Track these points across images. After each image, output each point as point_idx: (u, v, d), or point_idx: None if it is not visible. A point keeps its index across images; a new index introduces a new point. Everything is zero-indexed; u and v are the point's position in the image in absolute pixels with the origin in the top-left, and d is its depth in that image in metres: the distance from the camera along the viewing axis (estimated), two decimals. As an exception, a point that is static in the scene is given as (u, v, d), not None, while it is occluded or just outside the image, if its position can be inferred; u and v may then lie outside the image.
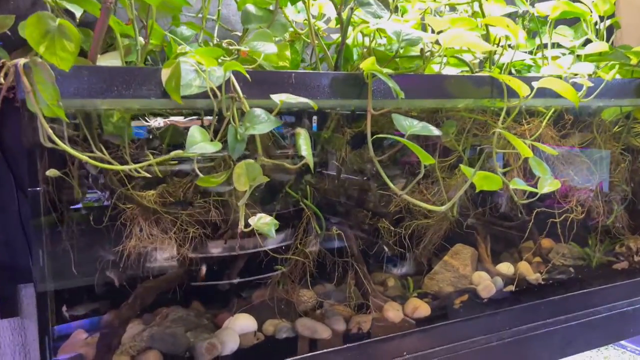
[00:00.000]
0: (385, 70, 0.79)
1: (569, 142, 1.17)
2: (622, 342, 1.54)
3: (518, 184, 0.87)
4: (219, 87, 0.68)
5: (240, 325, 0.84)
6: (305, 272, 0.91)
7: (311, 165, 0.69)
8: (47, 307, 0.71)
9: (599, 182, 1.16)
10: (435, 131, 0.80)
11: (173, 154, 0.66)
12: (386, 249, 1.01)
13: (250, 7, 0.88)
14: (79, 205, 0.84)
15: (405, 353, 0.92)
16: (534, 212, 1.07)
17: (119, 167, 0.68)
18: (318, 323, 0.87)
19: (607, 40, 1.23)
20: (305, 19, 0.89)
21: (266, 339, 0.86)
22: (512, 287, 1.06)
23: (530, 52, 1.18)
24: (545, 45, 1.12)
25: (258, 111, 0.70)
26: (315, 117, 0.99)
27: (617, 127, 1.23)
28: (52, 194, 0.80)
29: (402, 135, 0.74)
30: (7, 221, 0.98)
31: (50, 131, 0.60)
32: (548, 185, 0.90)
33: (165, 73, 0.66)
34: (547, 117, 1.03)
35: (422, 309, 0.96)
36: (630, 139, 1.22)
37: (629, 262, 1.20)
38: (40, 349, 0.72)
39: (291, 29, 0.92)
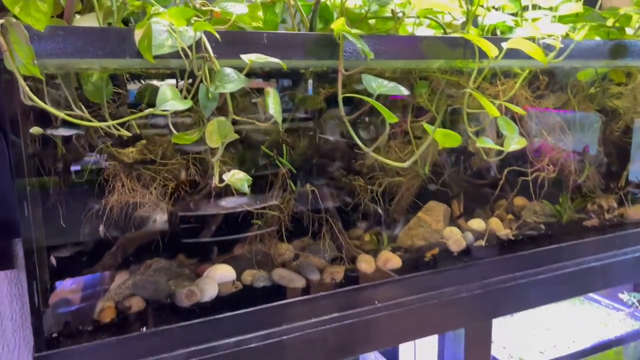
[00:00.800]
0: (356, 31, 0.81)
1: (544, 103, 1.20)
2: (597, 297, 1.60)
3: (485, 142, 0.90)
4: (190, 47, 0.71)
5: (220, 275, 0.89)
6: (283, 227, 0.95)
7: (279, 122, 0.72)
8: (34, 256, 0.75)
9: (572, 143, 1.19)
10: (405, 91, 0.83)
11: (146, 111, 0.69)
12: (362, 205, 1.05)
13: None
14: (65, 164, 0.87)
15: (376, 302, 0.97)
16: (506, 171, 1.11)
17: (97, 124, 0.71)
18: (294, 273, 0.92)
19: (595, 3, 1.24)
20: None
21: (244, 287, 0.91)
22: (482, 242, 1.10)
23: (515, 14, 1.19)
24: (527, 8, 1.13)
25: (228, 70, 0.72)
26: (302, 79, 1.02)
27: (593, 88, 1.25)
28: (38, 152, 0.83)
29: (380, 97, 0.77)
30: (0, 179, 1.02)
31: (27, 89, 0.62)
32: (515, 143, 0.93)
33: (138, 33, 0.68)
34: (521, 79, 1.05)
35: (394, 261, 1.00)
36: (605, 100, 1.24)
37: (599, 219, 1.24)
38: (30, 297, 0.77)
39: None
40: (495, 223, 1.15)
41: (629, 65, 1.16)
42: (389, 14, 0.92)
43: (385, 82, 0.82)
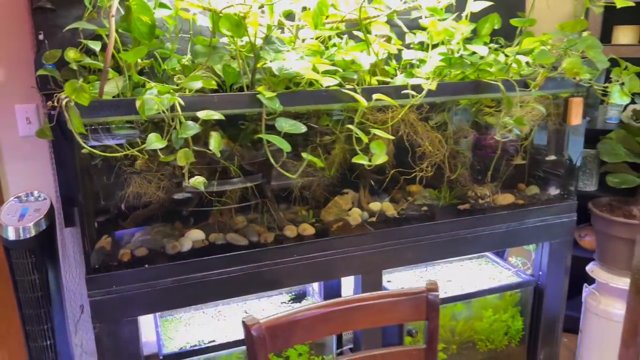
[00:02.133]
0: (270, 94, 1.32)
1: (432, 122, 1.67)
2: (498, 260, 2.09)
3: (360, 159, 1.41)
4: (168, 109, 1.24)
5: (194, 236, 1.45)
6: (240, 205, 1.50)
7: (217, 154, 1.25)
8: (84, 219, 1.33)
9: (448, 150, 1.67)
10: (303, 128, 1.35)
11: (141, 147, 1.23)
12: (294, 194, 1.58)
13: (198, 47, 1.42)
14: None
15: (295, 255, 1.51)
16: (392, 170, 1.61)
17: (120, 153, 1.27)
18: (240, 236, 1.47)
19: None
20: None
21: (209, 244, 1.47)
22: (373, 219, 1.62)
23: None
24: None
25: (190, 123, 1.25)
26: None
27: (473, 109, 1.72)
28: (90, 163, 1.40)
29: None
30: (68, 170, 1.61)
31: (79, 138, 1.18)
32: (380, 159, 1.42)
33: (138, 102, 1.23)
34: (403, 112, 1.53)
35: (309, 230, 1.54)
36: (480, 118, 1.70)
37: (470, 204, 1.73)
38: (82, 244, 1.35)
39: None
40: (387, 205, 1.66)
41: (484, 97, 1.62)
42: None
43: (291, 121, 1.34)
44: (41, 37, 1.55)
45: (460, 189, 1.75)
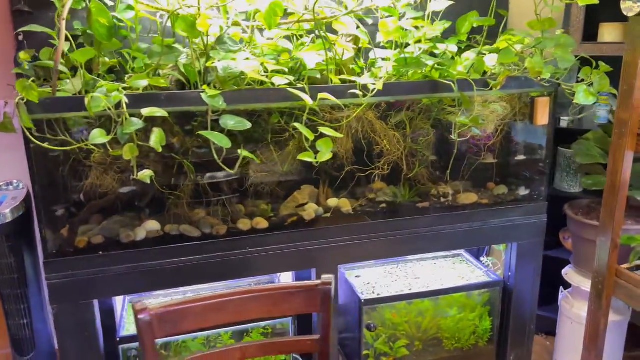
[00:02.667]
0: (214, 92, 1.38)
1: (392, 121, 1.69)
2: (472, 259, 2.08)
3: (304, 155, 1.44)
4: (115, 106, 1.32)
5: (149, 226, 1.53)
6: (196, 199, 1.57)
7: (158, 149, 1.32)
8: (41, 208, 1.43)
9: (407, 148, 1.68)
10: (247, 125, 1.40)
11: (85, 143, 1.32)
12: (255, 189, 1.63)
13: (154, 47, 1.49)
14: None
15: (247, 247, 1.57)
16: (347, 168, 1.64)
17: (75, 146, 1.36)
18: (193, 227, 1.54)
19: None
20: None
21: (164, 234, 1.55)
22: (328, 215, 1.65)
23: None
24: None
25: (134, 119, 1.33)
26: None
27: (436, 108, 1.72)
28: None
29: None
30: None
31: (28, 134, 1.28)
32: (326, 156, 1.46)
33: (86, 99, 1.31)
34: (360, 110, 1.56)
35: (263, 223, 1.59)
36: (442, 116, 1.70)
37: (430, 202, 1.74)
38: (40, 231, 1.45)
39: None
40: (343, 202, 1.69)
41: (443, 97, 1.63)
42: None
43: (237, 118, 1.40)
44: (20, 37, 1.66)
45: (421, 188, 1.76)
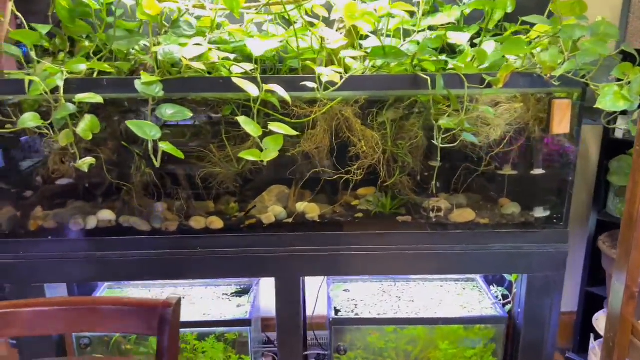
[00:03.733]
0: (153, 78, 1.30)
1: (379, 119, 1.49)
2: (484, 286, 1.79)
3: (247, 154, 1.31)
4: (51, 91, 1.30)
5: (102, 215, 1.51)
6: (153, 193, 1.52)
7: (86, 137, 1.28)
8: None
9: (387, 152, 1.47)
10: (188, 115, 1.31)
11: (17, 128, 1.31)
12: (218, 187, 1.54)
13: (119, 32, 1.45)
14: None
15: (198, 247, 1.48)
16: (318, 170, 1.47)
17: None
18: (142, 220, 1.49)
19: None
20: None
21: (116, 224, 1.51)
22: (289, 220, 1.50)
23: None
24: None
25: (69, 105, 1.30)
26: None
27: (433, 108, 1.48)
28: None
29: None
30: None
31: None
32: (272, 155, 1.31)
33: (27, 82, 1.31)
34: (332, 104, 1.39)
35: (217, 223, 1.49)
36: (433, 117, 1.46)
37: (413, 217, 1.50)
38: None
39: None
40: (310, 207, 1.53)
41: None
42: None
43: (177, 107, 1.31)
44: (19, 21, 1.72)
45: (409, 198, 1.53)
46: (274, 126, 1.31)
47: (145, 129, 1.27)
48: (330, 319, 1.59)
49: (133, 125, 1.26)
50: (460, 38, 1.49)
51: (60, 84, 1.29)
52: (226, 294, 1.79)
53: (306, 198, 1.60)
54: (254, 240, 1.49)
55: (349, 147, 1.48)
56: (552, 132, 1.42)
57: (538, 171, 1.53)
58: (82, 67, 1.34)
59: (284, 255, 1.49)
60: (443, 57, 1.45)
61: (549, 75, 1.32)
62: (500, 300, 1.70)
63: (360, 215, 1.55)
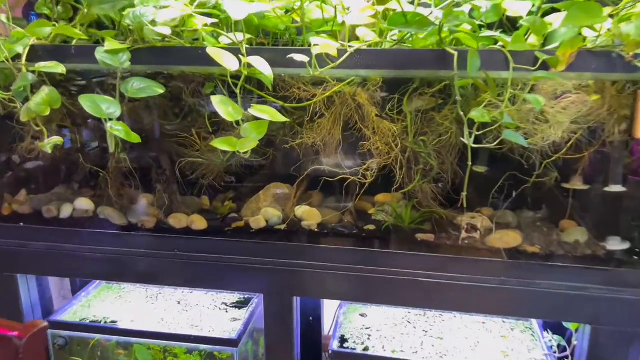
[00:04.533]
0: (123, 45, 1.12)
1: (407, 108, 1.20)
2: (539, 331, 1.42)
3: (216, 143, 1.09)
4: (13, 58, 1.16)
5: (79, 204, 1.36)
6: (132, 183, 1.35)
7: (42, 113, 1.12)
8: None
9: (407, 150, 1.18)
10: (158, 91, 1.11)
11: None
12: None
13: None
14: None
15: (176, 250, 1.29)
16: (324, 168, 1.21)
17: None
18: (120, 214, 1.32)
19: None
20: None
21: (93, 215, 1.36)
22: (282, 226, 1.25)
23: None
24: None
25: (29, 75, 1.15)
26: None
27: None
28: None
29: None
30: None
31: None
32: (249, 144, 1.08)
33: (-11, 49, 1.18)
34: (340, 87, 1.14)
35: (200, 223, 1.29)
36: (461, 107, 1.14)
37: (436, 235, 1.19)
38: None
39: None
40: (309, 212, 1.27)
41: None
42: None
43: (147, 81, 1.12)
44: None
45: (430, 211, 1.23)
46: (256, 110, 1.08)
47: (100, 105, 1.09)
48: (331, 351, 1.33)
49: (85, 100, 1.09)
50: (519, 8, 1.16)
51: (21, 50, 1.15)
52: (226, 304, 1.58)
53: (313, 202, 1.34)
54: (238, 247, 1.26)
55: (361, 142, 1.21)
56: (635, 135, 1.05)
57: (616, 188, 1.15)
58: (47, 30, 1.18)
59: (273, 269, 1.25)
60: (489, 32, 1.13)
61: (631, 54, 0.96)
62: (555, 352, 1.33)
63: (371, 227, 1.26)
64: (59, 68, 1.14)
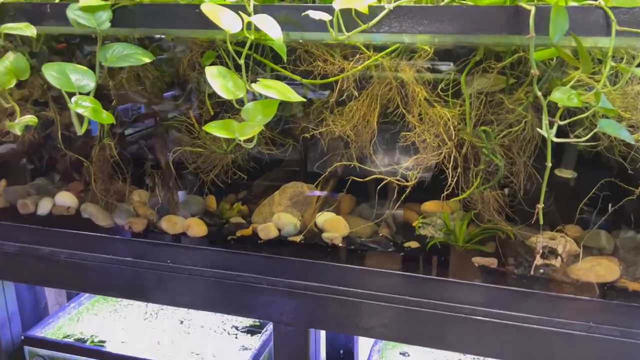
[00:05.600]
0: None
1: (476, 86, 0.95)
2: None
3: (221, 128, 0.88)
4: None
5: (60, 199, 1.19)
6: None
7: (4, 86, 0.96)
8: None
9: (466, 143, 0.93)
10: (144, 60, 0.92)
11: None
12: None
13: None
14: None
15: (168, 261, 1.09)
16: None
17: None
18: (106, 214, 1.14)
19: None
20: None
21: (76, 213, 1.18)
22: (298, 238, 1.03)
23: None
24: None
25: (-3, 39, 0.99)
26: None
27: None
28: None
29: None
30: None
31: None
32: (251, 131, 0.87)
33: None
34: (377, 57, 0.91)
35: (198, 229, 1.08)
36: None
37: (500, 260, 0.93)
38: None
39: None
40: (332, 222, 1.03)
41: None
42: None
43: (133, 48, 0.93)
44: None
45: (494, 228, 0.97)
46: (260, 86, 0.86)
47: (69, 76, 0.90)
48: (356, 400, 1.10)
49: (51, 70, 0.90)
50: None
51: (-14, 8, 0.99)
52: (236, 327, 1.38)
53: (341, 207, 1.11)
54: (240, 261, 1.04)
55: (403, 133, 0.97)
56: None
57: None
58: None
59: (284, 292, 1.03)
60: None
61: None
62: None
63: (413, 245, 1.02)
64: (28, 30, 0.97)
